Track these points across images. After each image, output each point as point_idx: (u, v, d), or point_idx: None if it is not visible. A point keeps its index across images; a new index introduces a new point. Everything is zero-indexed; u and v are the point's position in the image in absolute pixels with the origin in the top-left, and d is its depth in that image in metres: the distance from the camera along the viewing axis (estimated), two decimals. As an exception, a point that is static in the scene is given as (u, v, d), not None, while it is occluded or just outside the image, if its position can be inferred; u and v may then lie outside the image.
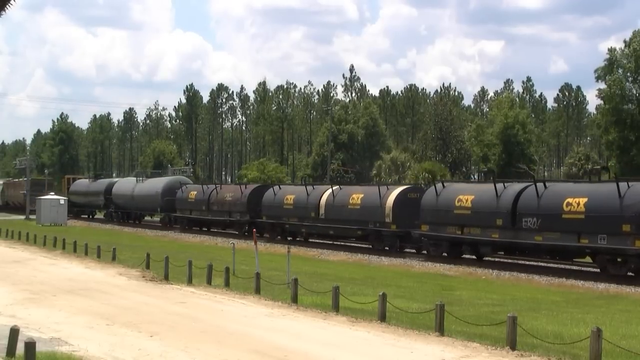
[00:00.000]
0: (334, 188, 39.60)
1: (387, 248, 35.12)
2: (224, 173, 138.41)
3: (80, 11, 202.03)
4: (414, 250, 34.76)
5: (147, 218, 64.07)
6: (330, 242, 39.84)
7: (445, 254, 31.77)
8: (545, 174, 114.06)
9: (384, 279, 25.01)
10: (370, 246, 36.40)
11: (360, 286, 22.08)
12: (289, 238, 41.54)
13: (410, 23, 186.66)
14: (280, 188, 43.97)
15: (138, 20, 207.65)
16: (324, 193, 39.46)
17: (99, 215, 69.23)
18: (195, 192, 50.87)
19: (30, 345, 10.31)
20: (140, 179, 61.38)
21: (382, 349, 13.22)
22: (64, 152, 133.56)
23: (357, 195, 36.99)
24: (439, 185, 32.87)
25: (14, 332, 11.26)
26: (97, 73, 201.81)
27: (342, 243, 39.59)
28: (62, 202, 59.85)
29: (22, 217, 68.74)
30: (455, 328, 14.62)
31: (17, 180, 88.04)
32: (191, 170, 73.30)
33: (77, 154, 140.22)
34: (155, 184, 57.54)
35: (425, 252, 33.64)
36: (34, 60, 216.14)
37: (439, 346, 13.34)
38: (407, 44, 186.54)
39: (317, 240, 40.86)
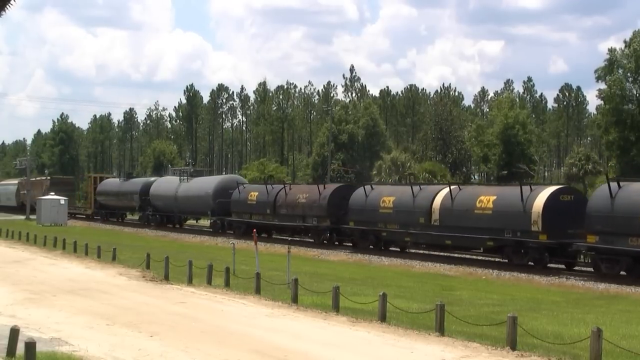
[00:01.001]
0: (452, 187, 32.93)
1: (531, 263, 29.04)
2: (224, 173, 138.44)
3: (80, 11, 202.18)
4: (562, 266, 29.07)
5: (191, 222, 57.67)
6: (447, 254, 33.66)
7: (623, 272, 25.96)
8: (546, 174, 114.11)
9: (384, 279, 25.00)
10: (505, 260, 30.34)
11: (360, 286, 22.08)
12: (382, 248, 35.91)
13: (410, 23, 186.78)
14: (373, 188, 37.34)
15: (138, 20, 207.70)
16: (437, 194, 32.96)
17: (132, 217, 63.81)
18: (256, 193, 44.30)
19: (30, 345, 10.31)
20: (184, 177, 54.44)
21: (383, 349, 13.22)
22: (64, 152, 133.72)
23: (487, 198, 30.51)
24: (613, 185, 26.39)
25: (14, 332, 11.26)
26: (97, 73, 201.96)
27: (459, 255, 33.67)
28: (62, 202, 59.83)
29: (22, 217, 68.70)
30: (456, 328, 14.62)
31: (34, 179, 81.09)
32: (191, 170, 72.31)
33: (77, 154, 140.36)
34: (205, 184, 50.76)
35: (591, 269, 27.65)
36: (33, 60, 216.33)
37: (439, 346, 13.34)
38: (407, 44, 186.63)
39: (425, 252, 34.44)
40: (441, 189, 33.71)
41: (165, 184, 55.94)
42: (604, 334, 11.91)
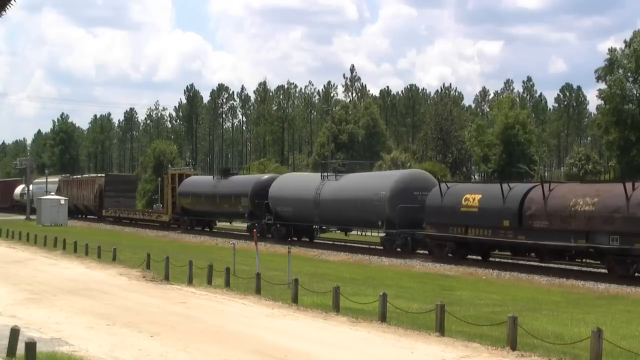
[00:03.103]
0: None
1: None
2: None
3: (80, 11, 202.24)
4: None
5: (326, 234, 42.79)
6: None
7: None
8: (546, 174, 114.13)
9: (385, 279, 24.98)
10: None
11: (360, 286, 22.06)
12: None
13: (410, 23, 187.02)
14: None
15: (138, 20, 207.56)
16: None
17: (224, 226, 53.44)
18: (478, 196, 30.03)
19: (30, 346, 10.31)
20: (329, 174, 39.81)
21: (383, 349, 13.22)
22: (64, 152, 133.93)
23: None
24: None
25: (15, 333, 11.25)
26: (97, 73, 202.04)
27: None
28: (62, 202, 59.87)
29: (23, 217, 68.73)
30: (456, 328, 14.61)
31: (81, 177, 74.09)
32: (192, 170, 71.90)
33: (77, 154, 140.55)
34: (373, 183, 36.50)
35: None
36: (33, 60, 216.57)
37: (439, 346, 13.34)
38: (407, 44, 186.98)
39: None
40: None
41: (297, 183, 42.18)
42: (604, 334, 11.91)
